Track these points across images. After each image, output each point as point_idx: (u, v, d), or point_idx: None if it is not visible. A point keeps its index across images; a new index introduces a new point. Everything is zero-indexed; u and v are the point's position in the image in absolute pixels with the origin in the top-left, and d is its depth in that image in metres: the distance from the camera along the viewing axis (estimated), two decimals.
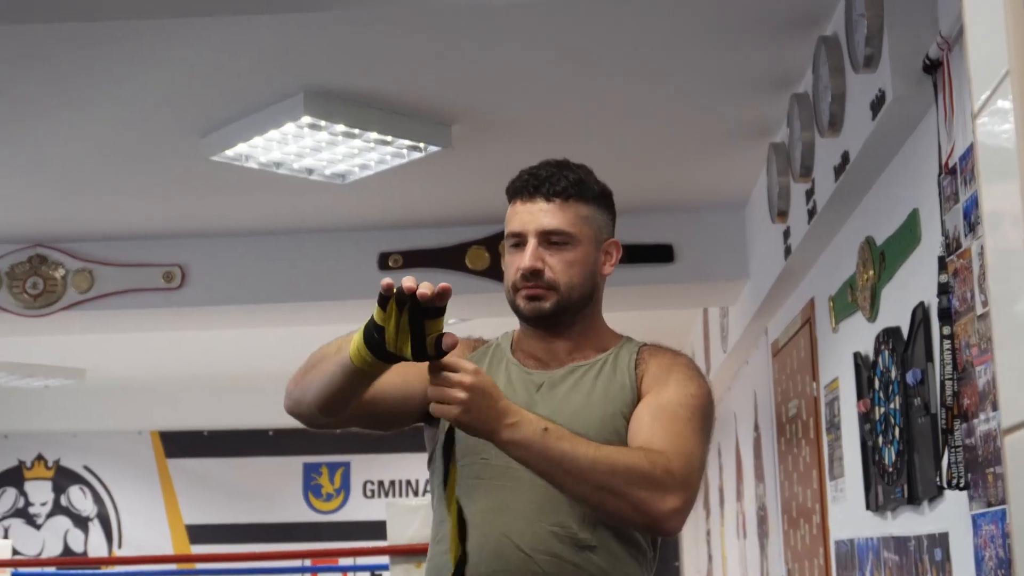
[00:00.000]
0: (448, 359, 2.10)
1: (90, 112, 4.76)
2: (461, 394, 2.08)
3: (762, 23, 4.08)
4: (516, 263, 2.41)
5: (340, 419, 2.40)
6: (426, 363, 2.12)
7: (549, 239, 2.39)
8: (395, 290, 2.06)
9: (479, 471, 2.35)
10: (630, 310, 6.51)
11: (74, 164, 5.37)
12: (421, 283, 2.05)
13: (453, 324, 7.34)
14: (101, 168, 5.42)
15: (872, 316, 4.27)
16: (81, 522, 11.48)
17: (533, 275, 2.38)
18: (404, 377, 2.33)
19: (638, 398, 2.38)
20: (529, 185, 2.43)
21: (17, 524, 11.39)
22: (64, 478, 11.46)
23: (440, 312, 2.08)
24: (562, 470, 2.14)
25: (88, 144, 5.11)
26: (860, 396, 4.40)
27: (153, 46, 4.17)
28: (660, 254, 6.15)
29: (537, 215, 2.40)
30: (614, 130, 5.01)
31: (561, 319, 2.43)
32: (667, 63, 4.40)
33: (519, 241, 2.42)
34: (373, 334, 2.11)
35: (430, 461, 2.50)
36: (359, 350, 2.15)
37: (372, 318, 2.11)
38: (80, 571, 11.16)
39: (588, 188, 2.45)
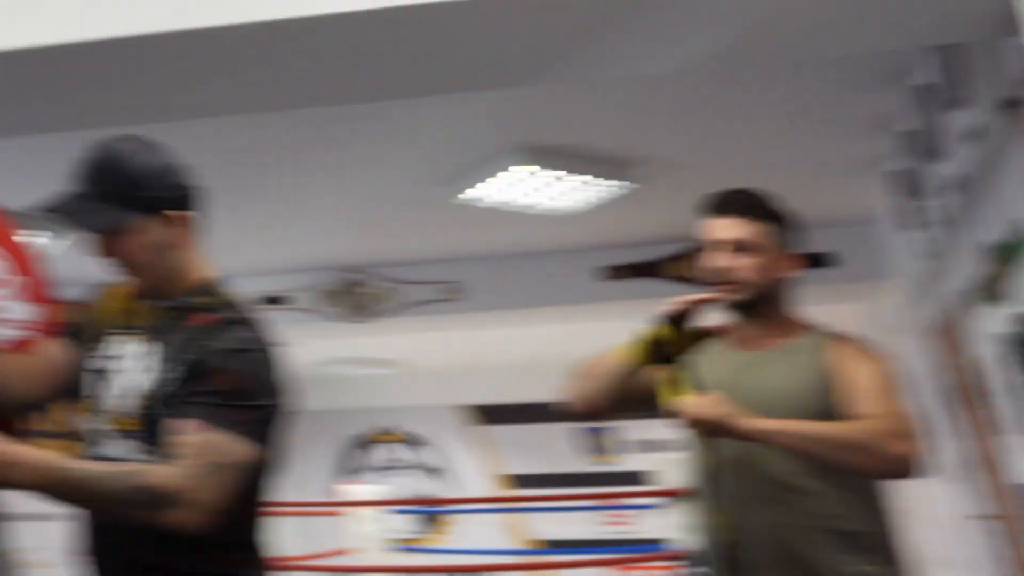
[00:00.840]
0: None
1: (374, 171, 4.89)
2: (712, 399, 2.15)
3: (868, 76, 3.89)
4: (713, 264, 2.38)
5: (609, 412, 2.48)
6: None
7: (740, 246, 2.35)
8: (673, 313, 2.26)
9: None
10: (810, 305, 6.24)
11: (374, 210, 5.52)
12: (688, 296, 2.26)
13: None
14: (392, 212, 5.56)
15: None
16: (426, 473, 11.75)
17: (725, 274, 2.35)
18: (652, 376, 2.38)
19: (827, 379, 2.31)
20: (725, 203, 2.40)
21: (380, 475, 11.74)
22: (410, 441, 11.76)
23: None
24: (807, 448, 2.14)
25: (378, 196, 5.25)
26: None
27: (408, 118, 4.25)
28: (824, 260, 5.87)
29: (731, 227, 2.36)
30: (765, 168, 4.80)
31: (750, 309, 2.38)
32: (801, 112, 4.25)
33: (716, 247, 2.38)
34: (651, 347, 2.29)
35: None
36: (636, 354, 2.31)
37: (645, 336, 2.29)
38: (430, 509, 11.47)
39: (768, 209, 2.40)
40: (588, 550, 10.16)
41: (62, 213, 1.98)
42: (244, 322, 1.97)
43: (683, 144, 4.60)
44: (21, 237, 2.39)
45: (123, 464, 1.87)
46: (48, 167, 4.24)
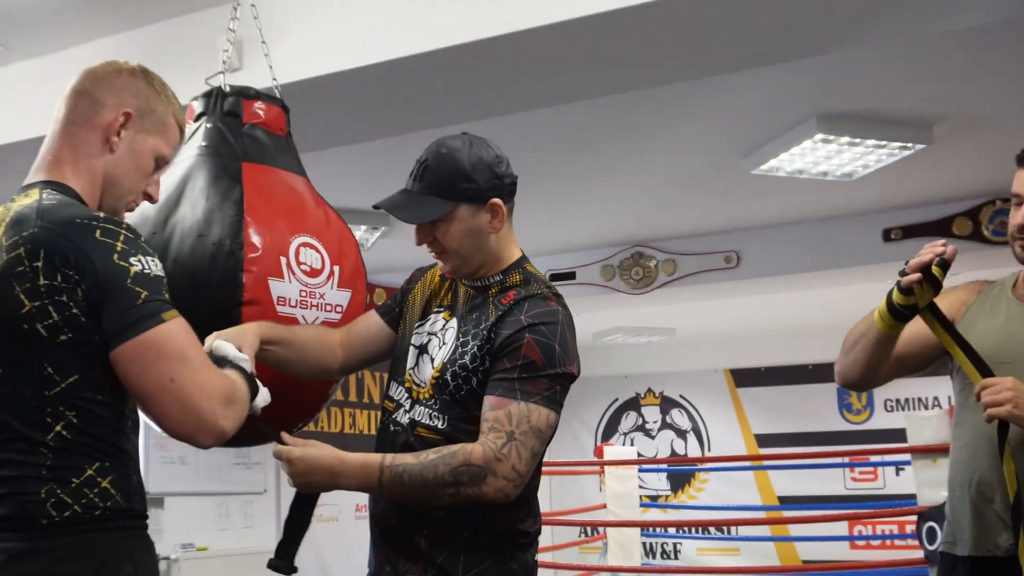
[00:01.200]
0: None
1: (667, 151, 4.86)
2: (1008, 394, 1.99)
3: None
4: (1014, 219, 2.18)
5: (879, 381, 2.32)
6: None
7: None
8: (919, 272, 2.02)
9: None
10: None
11: (658, 189, 5.50)
12: (930, 252, 2.01)
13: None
14: (676, 189, 5.52)
15: None
16: (681, 434, 11.67)
17: (1022, 230, 2.15)
18: (917, 334, 2.22)
19: None
20: None
21: (638, 436, 11.75)
22: (667, 404, 11.70)
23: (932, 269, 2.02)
24: None
25: (667, 174, 5.23)
26: None
27: (707, 96, 4.20)
28: None
29: None
30: None
31: None
32: None
33: (1019, 201, 2.18)
34: (899, 311, 2.07)
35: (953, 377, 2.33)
36: (885, 321, 2.11)
37: (892, 302, 2.07)
38: (683, 467, 11.44)
39: None
40: (835, 506, 9.92)
41: (394, 208, 2.02)
42: (543, 296, 2.00)
43: (982, 100, 4.35)
44: (340, 229, 2.49)
45: (436, 450, 1.91)
46: (381, 168, 4.43)
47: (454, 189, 1.99)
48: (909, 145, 4.64)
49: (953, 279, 2.21)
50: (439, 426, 1.99)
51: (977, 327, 2.17)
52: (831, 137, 4.47)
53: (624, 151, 4.86)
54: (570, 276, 6.60)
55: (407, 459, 1.89)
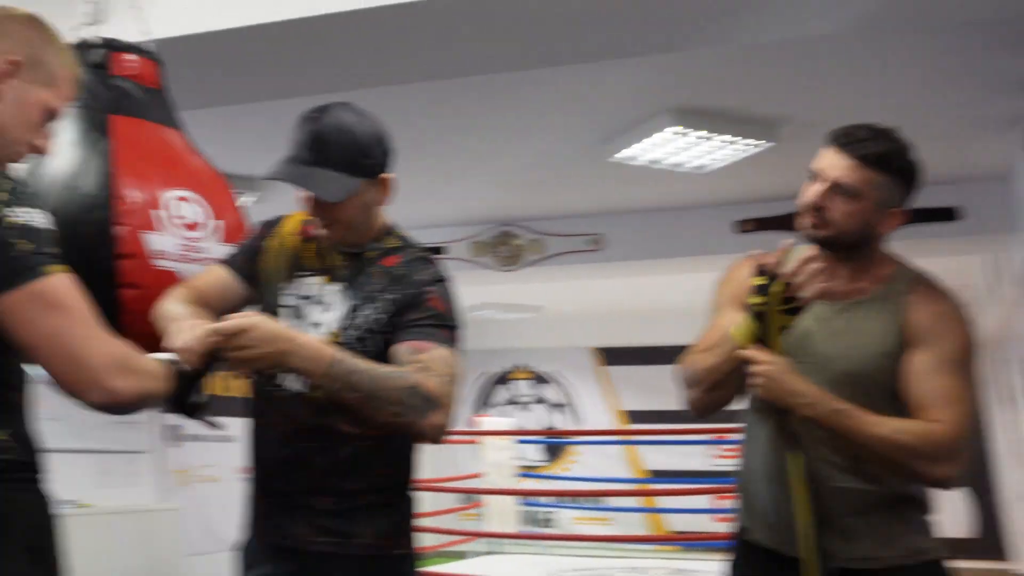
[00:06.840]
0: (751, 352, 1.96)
1: (535, 135, 4.95)
2: (760, 380, 1.94)
3: (1014, 37, 3.77)
4: (807, 195, 2.03)
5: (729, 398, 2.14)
6: None
7: (838, 188, 1.99)
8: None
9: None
10: (924, 257, 6.10)
11: (527, 170, 5.58)
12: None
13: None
14: (544, 171, 5.61)
15: None
16: (553, 407, 11.83)
17: (816, 211, 2.01)
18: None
19: (905, 340, 1.98)
20: (842, 139, 2.02)
21: (511, 409, 11.81)
22: (539, 378, 11.84)
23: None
24: (848, 440, 1.92)
25: (534, 157, 5.31)
26: None
27: (572, 85, 4.29)
28: (946, 215, 5.76)
29: (837, 167, 2.00)
30: (906, 127, 4.72)
31: (834, 251, 2.03)
32: (944, 72, 4.14)
33: (814, 176, 2.04)
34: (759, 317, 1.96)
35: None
36: (745, 331, 1.97)
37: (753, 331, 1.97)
38: (556, 440, 11.57)
39: (887, 161, 2.00)
40: (699, 480, 10.16)
41: (300, 182, 1.92)
42: (426, 259, 2.01)
43: (825, 104, 4.50)
44: (219, 184, 2.41)
45: (384, 366, 1.83)
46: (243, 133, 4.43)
47: (356, 164, 1.92)
48: (758, 143, 4.83)
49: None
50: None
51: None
52: (684, 130, 4.61)
53: (499, 131, 4.90)
54: (441, 251, 6.63)
55: (357, 361, 1.80)
